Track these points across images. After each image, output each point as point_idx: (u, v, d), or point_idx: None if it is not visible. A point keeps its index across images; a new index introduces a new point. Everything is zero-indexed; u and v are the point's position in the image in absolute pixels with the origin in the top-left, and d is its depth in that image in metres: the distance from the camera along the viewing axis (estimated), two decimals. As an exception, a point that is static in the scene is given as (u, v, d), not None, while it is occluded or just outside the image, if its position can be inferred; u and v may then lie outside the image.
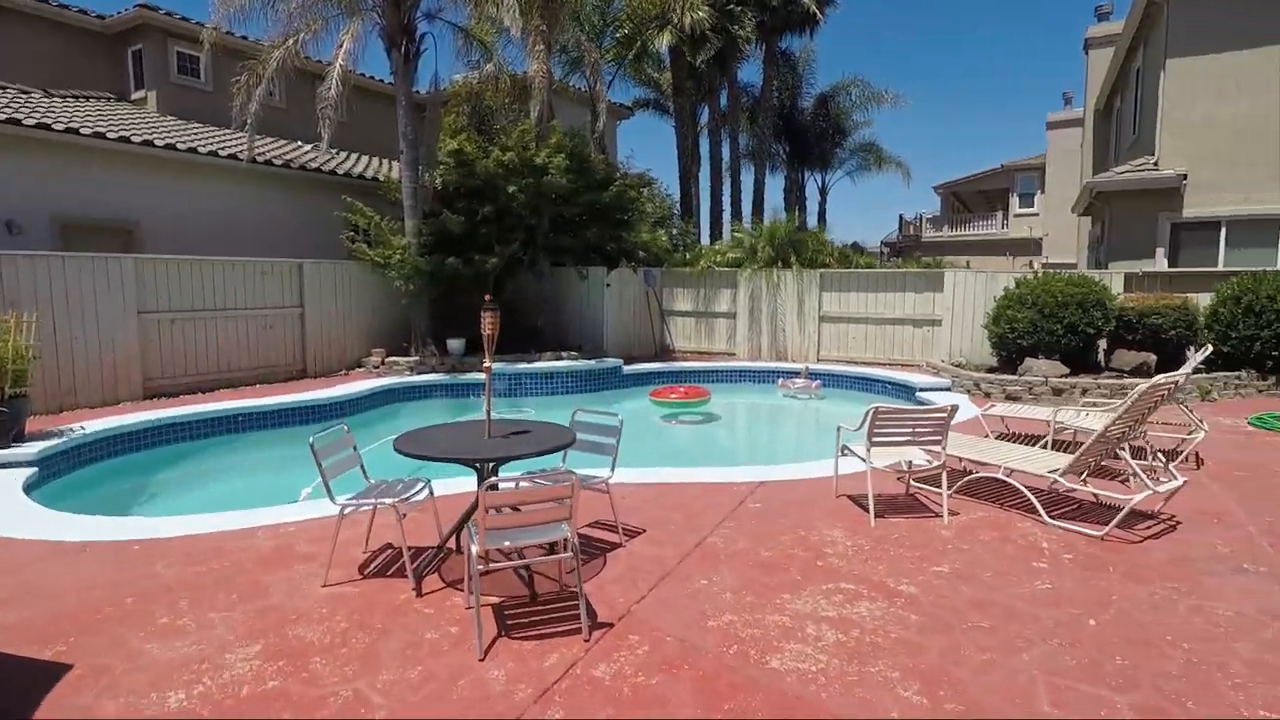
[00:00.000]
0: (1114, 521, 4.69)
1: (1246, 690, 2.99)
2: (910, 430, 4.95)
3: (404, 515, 4.02)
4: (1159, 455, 5.00)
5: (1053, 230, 29.55)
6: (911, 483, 5.65)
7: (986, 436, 7.12)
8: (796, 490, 5.79)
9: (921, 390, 10.70)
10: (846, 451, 5.48)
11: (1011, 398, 10.06)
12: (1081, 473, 5.11)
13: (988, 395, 10.27)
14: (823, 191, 32.93)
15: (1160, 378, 4.81)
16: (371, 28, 11.65)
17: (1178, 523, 4.93)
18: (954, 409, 4.94)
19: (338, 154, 16.25)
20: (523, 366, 12.15)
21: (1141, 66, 14.65)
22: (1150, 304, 10.71)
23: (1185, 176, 12.48)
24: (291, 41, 10.89)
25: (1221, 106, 12.21)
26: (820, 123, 30.41)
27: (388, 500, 3.97)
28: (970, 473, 5.59)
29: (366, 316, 13.05)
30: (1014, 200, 32.41)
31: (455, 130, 14.04)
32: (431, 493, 4.40)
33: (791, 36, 26.36)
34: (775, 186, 43.81)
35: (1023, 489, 5.14)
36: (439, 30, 12.57)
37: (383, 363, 12.50)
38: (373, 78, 17.78)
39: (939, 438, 4.98)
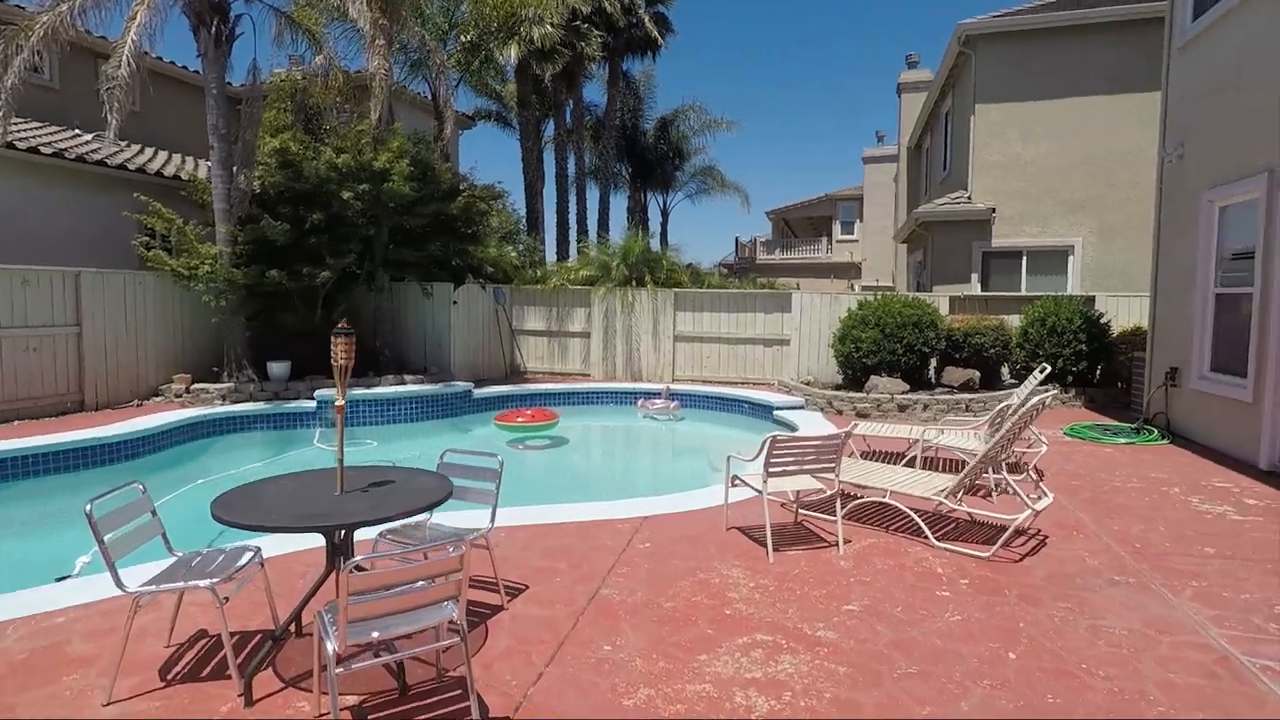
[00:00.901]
0: (1000, 542, 4.75)
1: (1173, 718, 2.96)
2: (806, 458, 4.74)
3: (225, 600, 3.12)
4: (1032, 472, 5.19)
5: (870, 256, 32.23)
6: (799, 510, 5.47)
7: (852, 455, 7.20)
8: (684, 525, 5.41)
9: (778, 409, 10.86)
10: (738, 482, 5.19)
11: (862, 414, 10.46)
12: (959, 493, 5.17)
13: (840, 412, 10.61)
14: (664, 213, 33.72)
15: (1035, 398, 4.97)
16: (174, 1, 10.02)
17: (1045, 537, 5.11)
18: (848, 434, 4.80)
19: (130, 147, 13.94)
20: (360, 392, 10.92)
21: (951, 109, 16.20)
22: (973, 325, 11.66)
23: (994, 210, 13.87)
24: (66, 6, 9.06)
25: (1024, 148, 13.72)
26: (661, 145, 31.12)
27: (201, 583, 3.05)
28: (855, 496, 5.51)
29: (167, 337, 11.17)
30: (836, 227, 35.01)
31: (278, 128, 12.52)
32: (262, 562, 3.49)
33: (633, 59, 26.83)
34: (619, 206, 44.41)
35: (910, 513, 5.10)
36: (259, 14, 11.13)
37: (187, 391, 10.72)
38: (180, 65, 15.59)
39: (833, 464, 4.82)
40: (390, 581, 2.41)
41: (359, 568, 2.39)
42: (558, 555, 4.75)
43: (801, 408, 11.01)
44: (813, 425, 9.66)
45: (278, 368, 11.24)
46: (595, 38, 21.64)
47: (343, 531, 3.15)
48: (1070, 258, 13.81)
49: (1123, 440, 8.56)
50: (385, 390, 11.10)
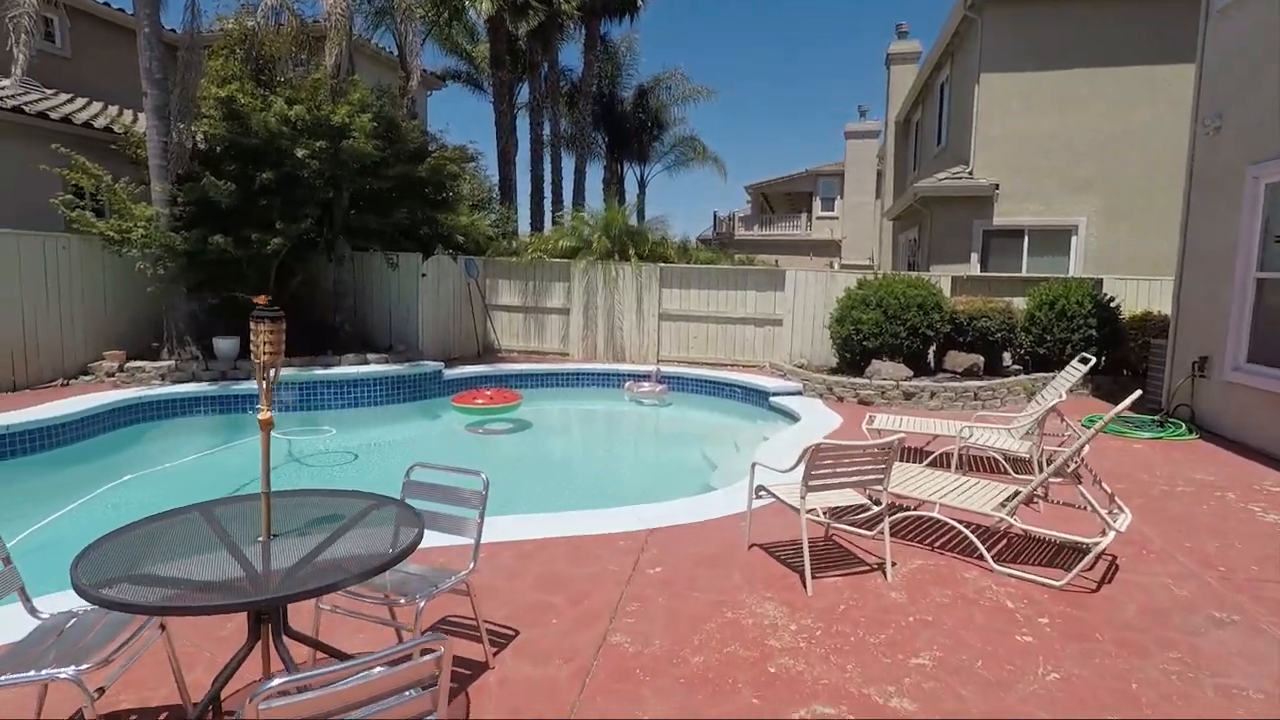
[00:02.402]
0: (1076, 569, 4.03)
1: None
2: (854, 469, 3.95)
3: (97, 693, 2.21)
4: (1102, 484, 4.50)
5: (850, 233, 31.59)
6: (832, 524, 4.70)
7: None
8: (697, 540, 4.60)
9: (774, 395, 10.11)
10: (763, 494, 4.39)
11: (865, 402, 9.76)
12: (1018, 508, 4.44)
13: (841, 399, 9.90)
14: (641, 184, 32.63)
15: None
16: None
17: (1114, 557, 4.42)
18: (899, 441, 4.02)
19: (57, 96, 12.49)
20: (319, 373, 9.89)
21: (949, 80, 15.43)
22: (979, 307, 11.00)
23: (998, 186, 13.18)
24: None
25: (1030, 121, 13.01)
26: (640, 114, 29.96)
27: (62, 673, 2.14)
28: (897, 507, 4.76)
29: (97, 309, 9.98)
30: (817, 203, 34.28)
31: (225, 79, 11.23)
32: (163, 625, 2.58)
33: (612, 22, 25.51)
34: (594, 176, 43.18)
35: (962, 529, 4.36)
36: (198, -55, 9.82)
37: (121, 369, 9.58)
38: (115, 8, 14.10)
39: (883, 475, 4.04)
40: (332, 710, 1.55)
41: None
42: (551, 585, 3.91)
43: (799, 393, 10.27)
44: (816, 414, 8.93)
45: (225, 344, 10.12)
46: (573, -5, 20.38)
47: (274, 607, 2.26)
48: (1074, 238, 13.21)
49: (1148, 434, 7.97)
50: (346, 370, 10.07)
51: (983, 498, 4.40)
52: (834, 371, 11.07)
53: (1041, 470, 5.63)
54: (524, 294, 13.68)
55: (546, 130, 24.02)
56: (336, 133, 9.66)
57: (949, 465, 6.23)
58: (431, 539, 3.72)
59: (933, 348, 11.20)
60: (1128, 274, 12.06)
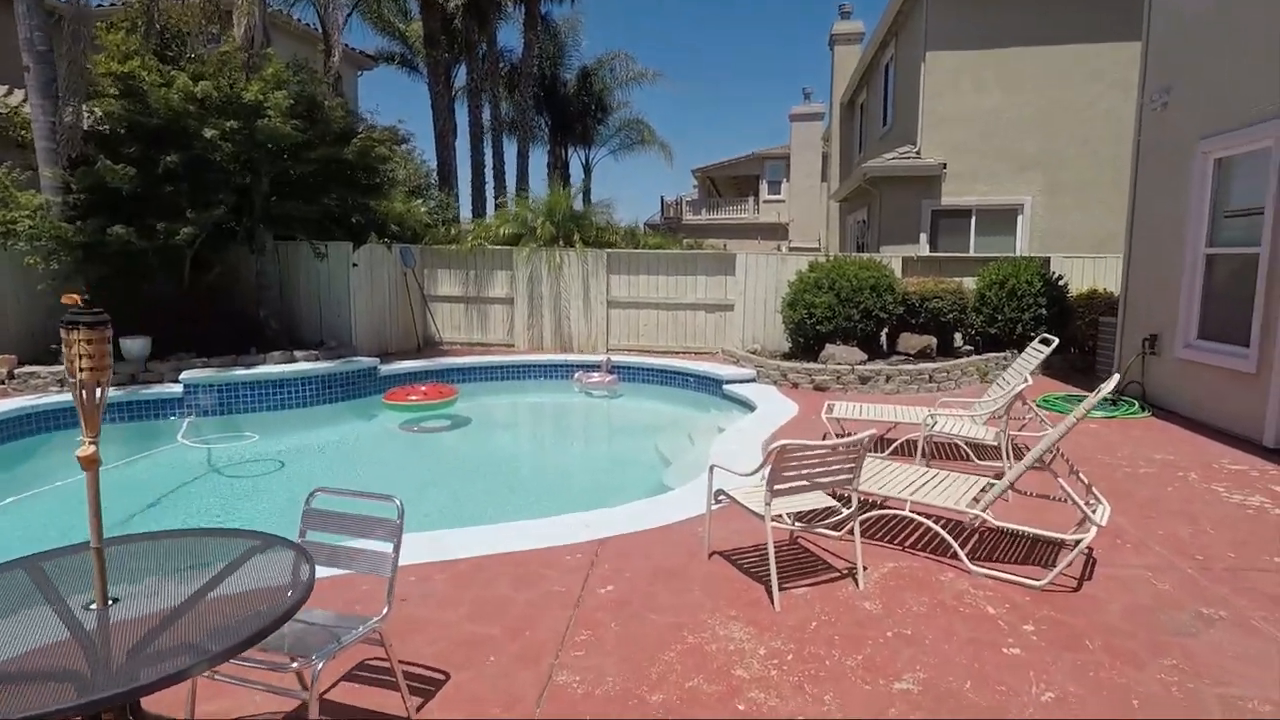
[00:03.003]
0: (1058, 568, 3.77)
1: None
2: (822, 469, 3.59)
3: None
4: (1079, 474, 4.25)
5: (797, 216, 31.59)
6: (798, 529, 4.35)
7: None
8: (652, 550, 4.20)
9: (728, 383, 9.79)
10: (722, 498, 4.01)
11: (820, 387, 9.51)
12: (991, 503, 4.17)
13: (796, 385, 9.63)
14: (586, 168, 32.00)
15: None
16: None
17: (1089, 548, 4.18)
18: (871, 437, 3.68)
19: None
20: (239, 373, 9.12)
21: (894, 59, 15.29)
22: (930, 288, 10.87)
23: (945, 165, 13.09)
24: None
25: (977, 100, 12.93)
26: (583, 97, 29.26)
27: None
28: (865, 504, 4.44)
29: (-20, 309, 9.00)
30: (764, 187, 34.19)
31: (127, 54, 10.23)
32: None
33: (553, 2, 24.73)
34: (538, 160, 42.23)
35: (942, 533, 4.06)
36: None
37: (11, 375, 8.66)
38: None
39: (852, 474, 3.70)
40: None
41: None
42: (489, 613, 3.46)
43: (754, 380, 9.97)
44: (771, 401, 8.63)
45: (134, 345, 9.24)
46: (510, -29, 19.56)
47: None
48: (1020, 217, 13.25)
49: (1100, 413, 7.90)
50: (271, 370, 9.31)
51: (956, 492, 4.11)
52: (787, 357, 10.82)
53: (1009, 458, 5.41)
54: (465, 284, 13.03)
55: (487, 114, 23.16)
56: (250, 111, 8.84)
57: (913, 453, 5.99)
58: (345, 571, 3.24)
59: (885, 330, 11.04)
60: (1073, 252, 12.12)
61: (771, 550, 3.58)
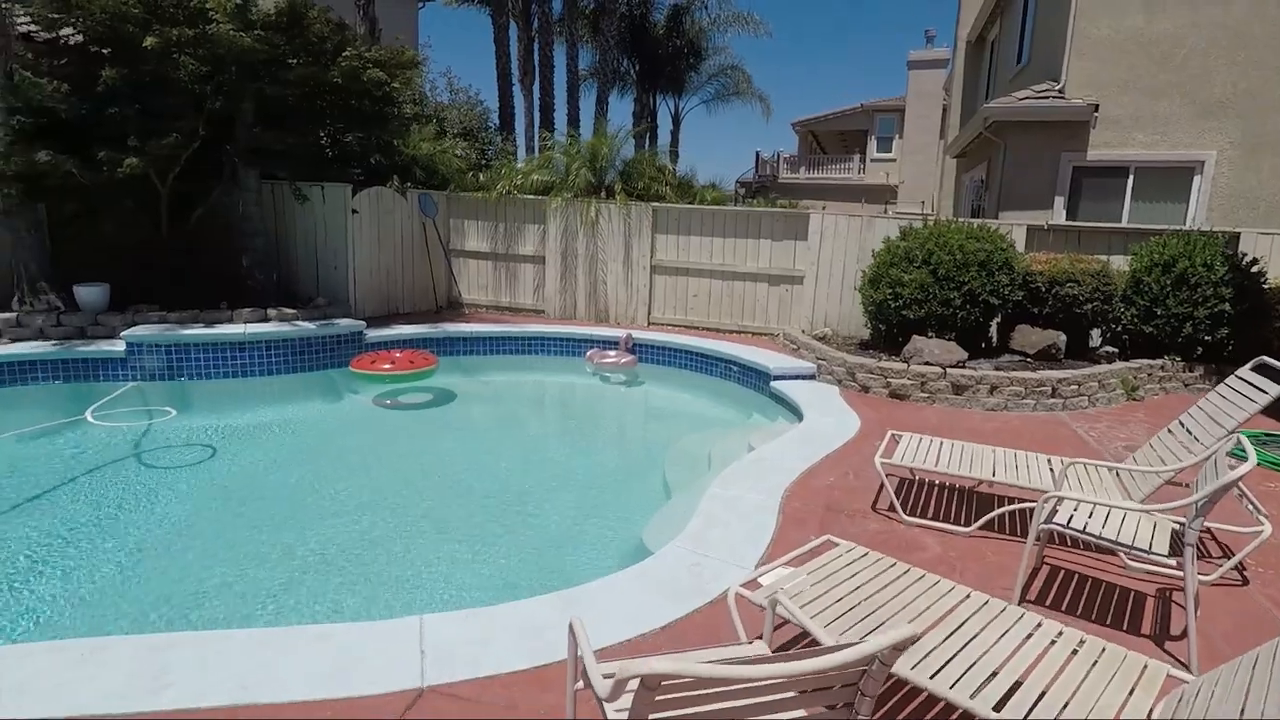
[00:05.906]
0: None
1: None
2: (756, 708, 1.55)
3: None
4: None
5: (909, 178, 28.05)
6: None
7: (881, 492, 4.05)
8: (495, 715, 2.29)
9: (778, 378, 7.66)
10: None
11: (897, 394, 7.22)
12: None
13: (866, 389, 7.37)
14: (675, 119, 29.54)
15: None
16: None
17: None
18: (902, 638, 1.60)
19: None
20: (196, 332, 7.80)
21: (1039, -25, 12.09)
22: (1064, 268, 8.16)
23: (1096, 108, 10.07)
24: None
25: (1147, 21, 9.77)
26: (674, 39, 26.71)
27: None
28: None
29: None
30: (871, 144, 30.69)
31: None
32: None
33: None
34: (624, 110, 39.96)
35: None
36: None
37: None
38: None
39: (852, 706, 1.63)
40: None
41: None
42: None
43: (811, 377, 7.78)
44: (827, 411, 6.46)
45: (90, 293, 8.12)
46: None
47: None
48: (1197, 178, 10.08)
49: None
50: (228, 331, 7.92)
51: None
52: (863, 347, 8.51)
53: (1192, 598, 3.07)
54: (493, 237, 11.31)
55: (563, 56, 21.23)
56: (195, 15, 7.30)
57: (1015, 530, 3.74)
58: None
59: (997, 320, 8.47)
60: (1273, 227, 8.99)
61: None
